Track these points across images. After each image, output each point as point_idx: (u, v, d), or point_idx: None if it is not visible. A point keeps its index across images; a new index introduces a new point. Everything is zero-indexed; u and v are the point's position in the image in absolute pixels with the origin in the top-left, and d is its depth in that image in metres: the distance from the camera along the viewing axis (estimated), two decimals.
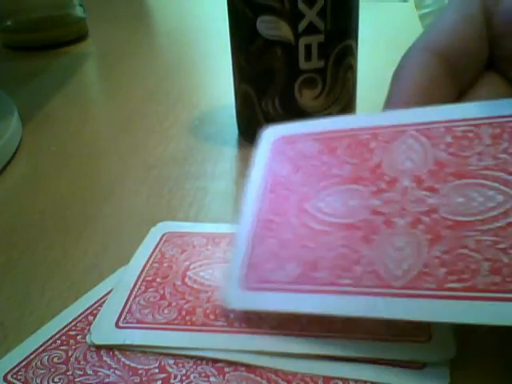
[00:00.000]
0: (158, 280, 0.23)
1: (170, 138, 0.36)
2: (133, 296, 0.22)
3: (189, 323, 0.20)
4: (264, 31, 0.30)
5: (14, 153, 0.36)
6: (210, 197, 0.29)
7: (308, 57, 0.31)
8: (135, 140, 0.37)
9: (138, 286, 0.22)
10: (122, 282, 0.23)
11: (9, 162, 0.35)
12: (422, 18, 0.58)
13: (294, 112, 0.32)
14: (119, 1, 0.71)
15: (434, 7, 0.65)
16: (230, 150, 0.34)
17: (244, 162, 0.33)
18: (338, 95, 0.33)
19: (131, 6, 0.70)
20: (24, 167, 0.34)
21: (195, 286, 0.22)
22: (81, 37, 0.57)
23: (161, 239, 0.25)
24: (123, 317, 0.21)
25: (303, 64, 0.31)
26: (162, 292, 0.22)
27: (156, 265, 0.24)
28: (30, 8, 0.55)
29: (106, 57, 0.54)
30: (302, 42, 0.30)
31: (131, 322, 0.21)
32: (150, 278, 0.23)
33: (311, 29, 0.30)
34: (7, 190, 0.32)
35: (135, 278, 0.23)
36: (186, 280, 0.23)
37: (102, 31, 0.60)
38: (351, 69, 0.33)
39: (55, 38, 0.55)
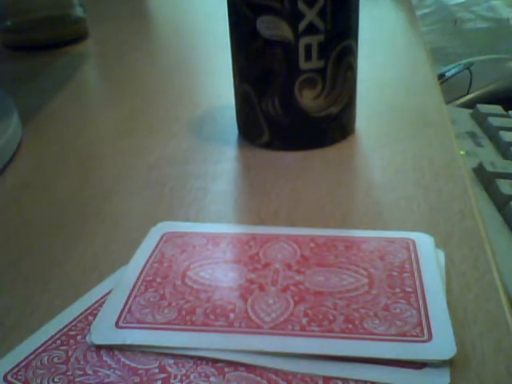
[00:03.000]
0: (158, 280, 0.23)
1: (170, 138, 0.37)
2: (133, 296, 0.22)
3: (189, 323, 0.20)
4: (264, 31, 0.31)
5: (14, 153, 0.36)
6: (210, 197, 0.29)
7: (308, 57, 0.31)
8: (135, 140, 0.37)
9: (137, 286, 0.23)
10: (121, 282, 0.23)
11: (9, 162, 0.35)
12: (422, 18, 0.58)
13: (293, 112, 0.32)
14: (119, 1, 0.71)
15: (434, 7, 0.65)
16: (229, 150, 0.34)
17: (244, 162, 0.33)
18: (338, 95, 0.33)
19: (131, 5, 0.70)
20: (24, 167, 0.34)
21: (195, 286, 0.22)
22: (81, 37, 0.57)
23: (161, 239, 0.26)
24: (123, 317, 0.21)
25: (303, 64, 0.31)
26: (161, 292, 0.22)
27: (156, 265, 0.24)
28: (30, 8, 0.55)
29: (106, 57, 0.54)
30: (302, 42, 0.30)
31: (131, 322, 0.21)
32: (149, 278, 0.23)
33: (311, 29, 0.30)
34: (7, 189, 0.32)
35: (135, 278, 0.23)
36: (186, 280, 0.23)
37: (102, 31, 0.60)
38: (351, 69, 0.33)
39: (55, 38, 0.55)
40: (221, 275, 0.23)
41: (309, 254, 0.24)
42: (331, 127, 0.34)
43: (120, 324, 0.21)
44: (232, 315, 0.21)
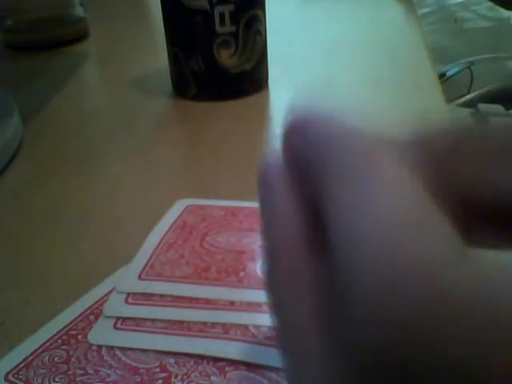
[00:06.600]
0: (179, 242, 0.25)
1: (169, 139, 0.37)
2: (155, 255, 0.24)
3: (203, 278, 0.22)
4: (186, 1, 0.37)
5: (15, 152, 0.35)
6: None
7: (222, 23, 0.38)
8: (135, 140, 0.37)
9: (160, 247, 0.25)
10: (146, 243, 0.25)
11: (9, 162, 0.34)
12: (422, 17, 0.58)
13: (214, 69, 0.39)
14: (119, 1, 0.71)
15: (435, 6, 0.65)
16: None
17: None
18: (250, 55, 0.40)
19: (131, 5, 0.70)
20: (25, 167, 0.34)
21: (211, 248, 0.24)
22: (81, 37, 0.57)
23: (184, 210, 0.28)
24: (145, 271, 0.23)
25: (219, 28, 0.38)
26: (181, 252, 0.24)
27: (178, 230, 0.26)
28: (30, 8, 0.55)
29: (106, 57, 0.54)
30: (217, 10, 0.37)
31: (152, 275, 0.23)
32: (171, 241, 0.25)
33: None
34: (8, 189, 0.32)
35: (158, 239, 0.25)
36: (204, 244, 0.25)
37: (102, 31, 0.60)
38: (260, 33, 0.40)
39: (55, 38, 0.55)
40: (235, 241, 0.25)
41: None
42: (246, 81, 0.41)
43: (142, 276, 0.23)
44: (242, 273, 0.22)
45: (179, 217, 0.27)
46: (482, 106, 0.72)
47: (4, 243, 0.27)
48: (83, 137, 0.38)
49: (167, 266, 0.23)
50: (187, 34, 0.39)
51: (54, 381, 0.19)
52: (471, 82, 0.97)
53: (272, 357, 0.19)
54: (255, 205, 0.27)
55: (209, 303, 0.21)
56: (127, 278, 0.23)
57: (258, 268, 0.23)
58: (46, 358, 0.20)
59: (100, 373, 0.19)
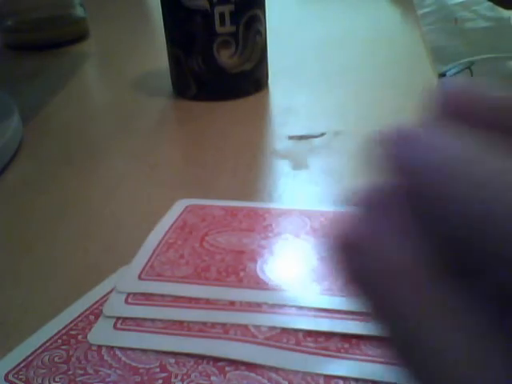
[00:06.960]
0: (179, 242, 0.25)
1: (169, 139, 0.37)
2: (155, 255, 0.24)
3: (203, 278, 0.22)
4: (186, 2, 0.38)
5: (15, 152, 0.36)
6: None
7: (222, 23, 0.38)
8: (135, 140, 0.37)
9: (160, 247, 0.25)
10: (146, 243, 0.25)
11: (9, 162, 0.35)
12: (422, 17, 0.58)
13: (214, 69, 0.40)
14: (119, 1, 0.71)
15: (435, 6, 0.64)
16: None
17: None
18: (250, 55, 0.40)
19: (131, 5, 0.70)
20: (25, 167, 0.34)
21: (211, 248, 0.24)
22: (81, 37, 0.57)
23: (184, 210, 0.28)
24: (146, 271, 0.23)
25: (219, 28, 0.38)
26: (181, 252, 0.24)
27: (178, 230, 0.26)
28: (30, 8, 0.55)
29: (107, 57, 0.54)
30: (217, 10, 0.38)
31: (152, 275, 0.23)
32: (171, 241, 0.25)
33: None
34: (8, 189, 0.32)
35: (158, 240, 0.25)
36: (204, 244, 0.25)
37: (103, 31, 0.60)
38: (259, 33, 0.40)
39: (55, 38, 0.55)
40: (235, 241, 0.25)
41: (318, 226, 0.26)
42: (246, 81, 0.41)
43: (142, 276, 0.23)
44: (242, 273, 0.22)
45: (179, 217, 0.27)
46: None
47: (4, 243, 0.27)
48: (83, 137, 0.38)
49: (167, 265, 0.23)
50: (187, 34, 0.39)
51: (54, 381, 0.19)
52: None
53: (272, 357, 0.19)
54: (255, 205, 0.28)
55: (209, 303, 0.21)
56: (127, 278, 0.23)
57: (257, 268, 0.23)
58: (46, 358, 0.20)
59: (100, 373, 0.19)
